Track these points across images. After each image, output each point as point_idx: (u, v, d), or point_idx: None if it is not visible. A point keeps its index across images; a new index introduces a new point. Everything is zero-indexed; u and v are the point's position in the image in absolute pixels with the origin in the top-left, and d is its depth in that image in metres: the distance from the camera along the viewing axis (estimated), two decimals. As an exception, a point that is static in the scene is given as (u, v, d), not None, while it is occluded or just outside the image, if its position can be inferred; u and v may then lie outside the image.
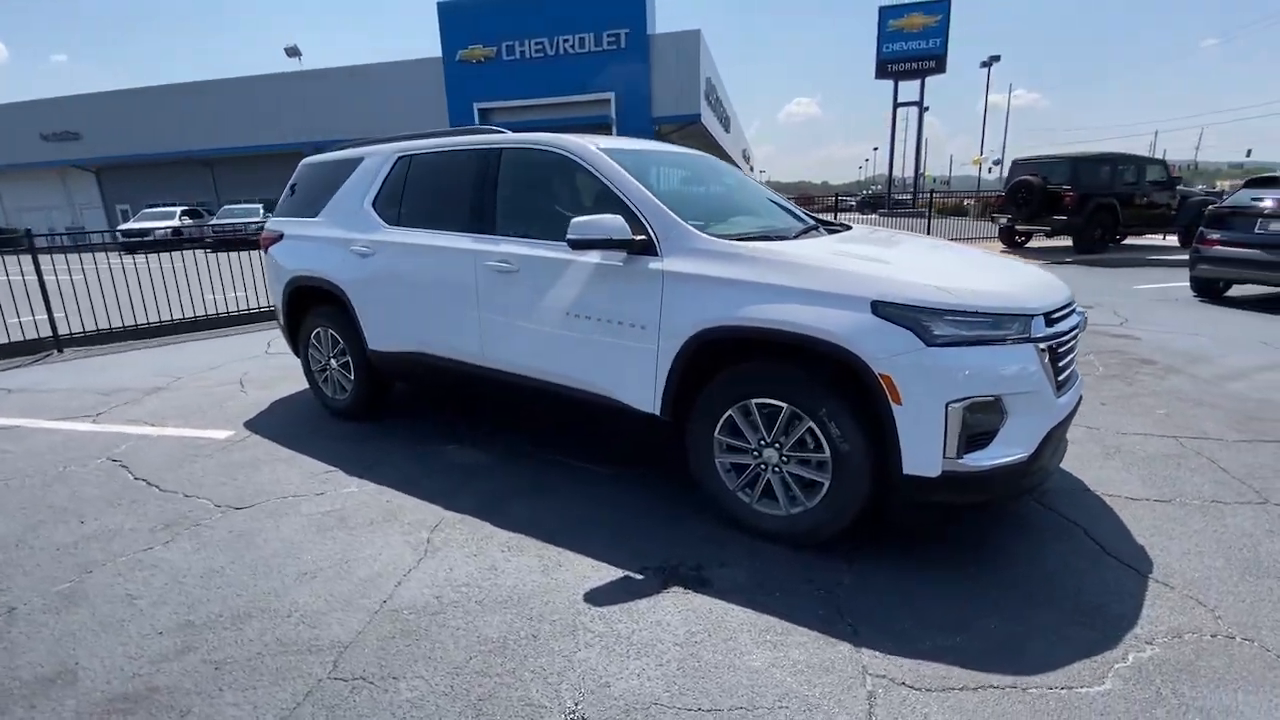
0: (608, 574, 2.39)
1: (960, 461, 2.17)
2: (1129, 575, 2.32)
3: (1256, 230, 6.95)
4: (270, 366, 5.55)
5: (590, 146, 2.98)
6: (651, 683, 1.86)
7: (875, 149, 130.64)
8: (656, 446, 3.53)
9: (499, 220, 3.21)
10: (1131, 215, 12.22)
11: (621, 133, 24.45)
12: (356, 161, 3.93)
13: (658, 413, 2.71)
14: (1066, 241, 12.64)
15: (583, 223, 2.61)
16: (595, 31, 23.74)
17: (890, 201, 35.20)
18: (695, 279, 2.52)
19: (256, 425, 4.08)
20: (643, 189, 2.77)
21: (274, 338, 6.64)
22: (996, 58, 37.28)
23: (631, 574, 2.38)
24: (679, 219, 2.66)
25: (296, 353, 4.43)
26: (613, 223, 2.59)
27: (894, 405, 2.16)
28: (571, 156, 3.00)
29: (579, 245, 2.65)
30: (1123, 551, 2.47)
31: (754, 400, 2.46)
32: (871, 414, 2.25)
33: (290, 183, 4.45)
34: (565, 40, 24.00)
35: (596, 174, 2.89)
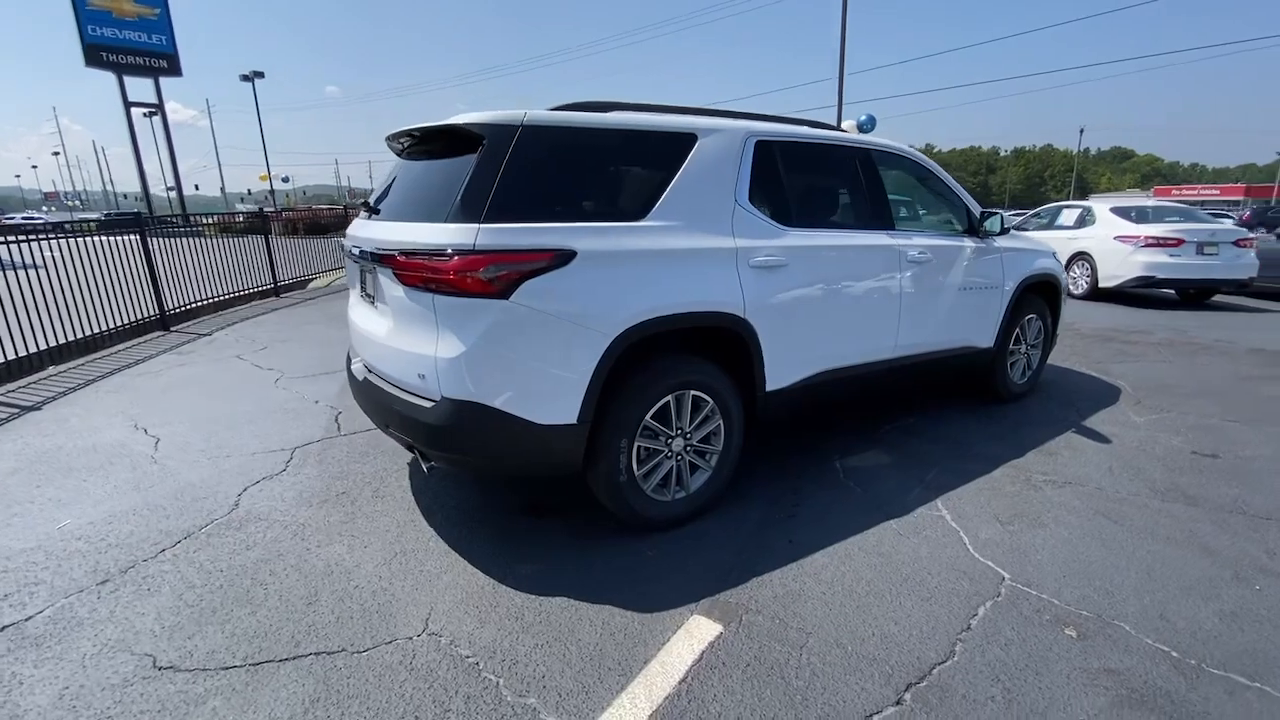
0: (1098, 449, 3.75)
1: (1061, 322, 4.76)
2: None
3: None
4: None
5: (922, 155, 3.70)
6: (1181, 438, 3.68)
7: (56, 153, 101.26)
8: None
9: (894, 217, 3.40)
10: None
11: None
12: (680, 139, 2.65)
13: (994, 345, 4.02)
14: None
15: (997, 216, 3.65)
16: None
17: (154, 221, 29.62)
18: (1015, 249, 4.03)
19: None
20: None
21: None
22: (260, 73, 37.05)
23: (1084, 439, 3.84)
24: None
25: (579, 464, 2.42)
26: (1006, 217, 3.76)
27: (1063, 299, 4.51)
28: (921, 163, 3.68)
29: (999, 234, 3.65)
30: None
31: (1029, 316, 4.25)
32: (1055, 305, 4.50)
33: (501, 156, 2.22)
34: None
35: (940, 179, 3.73)
